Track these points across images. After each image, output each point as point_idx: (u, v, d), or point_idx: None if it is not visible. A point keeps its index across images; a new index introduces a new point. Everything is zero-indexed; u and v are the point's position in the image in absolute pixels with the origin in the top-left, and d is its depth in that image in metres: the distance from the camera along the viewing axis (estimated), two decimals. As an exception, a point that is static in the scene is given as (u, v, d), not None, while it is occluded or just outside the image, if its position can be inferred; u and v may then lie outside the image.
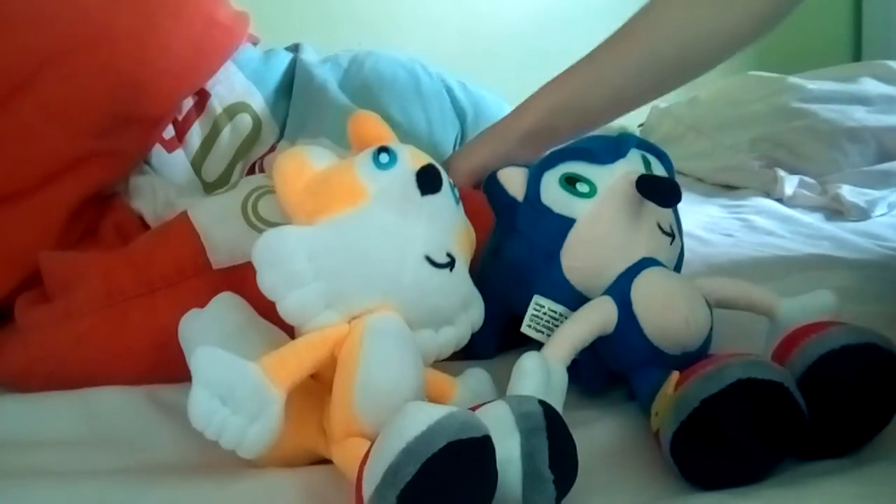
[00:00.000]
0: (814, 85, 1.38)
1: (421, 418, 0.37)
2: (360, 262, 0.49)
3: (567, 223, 0.56)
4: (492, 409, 0.42)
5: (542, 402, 0.42)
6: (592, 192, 0.56)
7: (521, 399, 0.42)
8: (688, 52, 0.77)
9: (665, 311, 0.52)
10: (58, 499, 0.45)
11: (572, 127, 0.77)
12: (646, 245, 0.56)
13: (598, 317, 0.53)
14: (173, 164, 0.81)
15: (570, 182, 0.57)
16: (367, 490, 0.37)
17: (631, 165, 0.58)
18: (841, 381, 0.46)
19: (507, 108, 0.90)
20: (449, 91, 0.97)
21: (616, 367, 0.55)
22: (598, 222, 0.56)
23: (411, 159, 0.52)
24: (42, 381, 0.59)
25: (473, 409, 0.43)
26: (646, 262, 0.55)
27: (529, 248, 0.58)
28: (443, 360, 0.53)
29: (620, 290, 0.53)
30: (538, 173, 0.59)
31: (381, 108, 0.83)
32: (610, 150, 0.58)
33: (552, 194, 0.57)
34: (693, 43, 0.77)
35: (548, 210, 0.57)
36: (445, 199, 0.53)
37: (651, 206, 0.55)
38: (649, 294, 0.53)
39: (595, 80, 0.77)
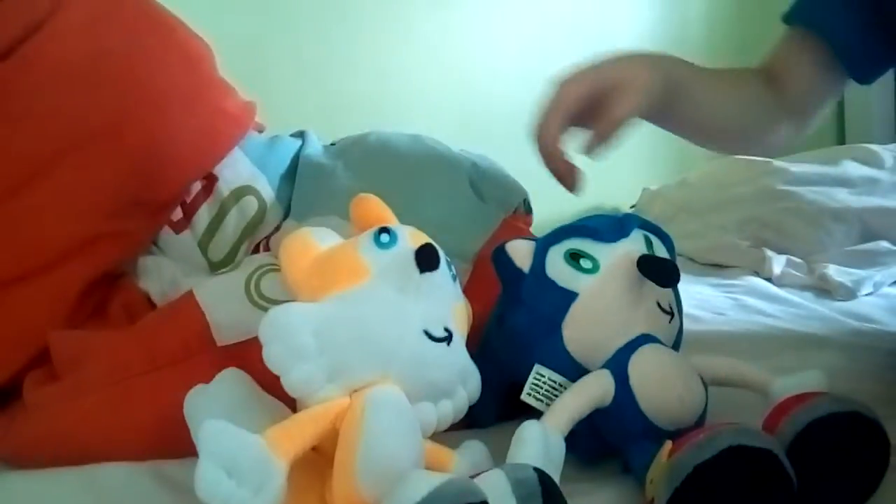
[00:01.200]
0: (798, 168, 1.42)
1: (421, 486, 0.39)
2: (362, 336, 0.50)
3: (570, 296, 0.58)
4: (488, 477, 0.43)
5: (536, 470, 0.43)
6: (595, 268, 0.59)
7: (517, 467, 0.44)
8: (756, 122, 0.83)
9: (660, 388, 0.54)
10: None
11: (675, 111, 0.76)
12: (645, 322, 0.58)
13: (596, 389, 0.55)
14: (181, 244, 0.84)
15: (574, 258, 0.60)
16: None
17: (633, 245, 0.60)
18: (828, 447, 0.48)
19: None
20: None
21: (612, 439, 0.56)
22: (600, 297, 0.58)
23: (410, 239, 0.55)
24: (48, 457, 0.60)
25: (471, 477, 0.44)
26: (644, 339, 0.57)
27: (532, 319, 0.60)
28: (444, 430, 0.54)
29: (618, 364, 0.56)
30: (544, 247, 0.61)
31: (385, 177, 0.86)
32: (614, 228, 0.61)
33: (557, 268, 0.60)
34: (759, 115, 0.82)
35: (552, 283, 0.59)
36: (443, 276, 0.55)
37: (651, 285, 0.57)
38: (645, 370, 0.55)
39: (704, 83, 0.78)
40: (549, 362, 0.58)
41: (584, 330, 0.58)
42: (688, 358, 0.58)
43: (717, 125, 0.82)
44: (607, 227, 0.61)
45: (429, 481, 0.39)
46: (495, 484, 0.42)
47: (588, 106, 0.69)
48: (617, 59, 0.71)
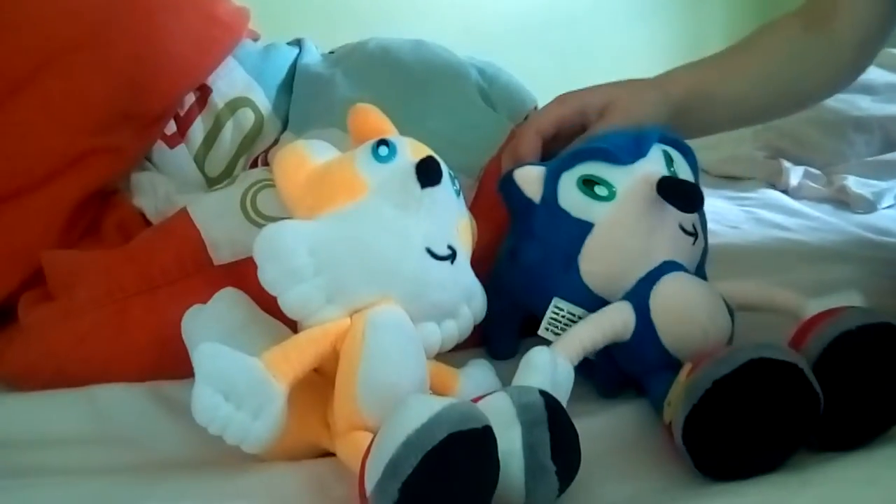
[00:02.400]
0: (818, 74, 1.37)
1: (421, 410, 0.37)
2: (361, 255, 0.48)
3: (585, 228, 0.55)
4: (492, 400, 0.42)
5: (543, 393, 0.42)
6: (612, 195, 0.55)
7: (522, 390, 0.42)
8: (799, 81, 0.76)
9: (683, 321, 0.51)
10: (64, 497, 0.45)
11: (697, 121, 0.72)
12: (667, 248, 0.55)
13: (614, 322, 0.52)
14: (176, 159, 0.81)
15: (588, 184, 0.56)
16: (370, 484, 0.37)
17: (652, 165, 0.56)
18: (857, 361, 0.46)
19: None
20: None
21: (631, 371, 0.54)
22: (618, 227, 0.55)
23: (411, 151, 0.52)
24: (46, 379, 0.59)
25: (475, 400, 0.43)
26: (667, 267, 0.53)
27: (547, 253, 0.57)
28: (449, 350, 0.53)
29: (639, 296, 0.52)
30: (556, 174, 0.57)
31: (386, 87, 0.82)
32: (630, 148, 0.57)
33: (570, 197, 0.56)
34: (803, 72, 0.75)
35: (565, 214, 0.56)
36: (445, 191, 0.53)
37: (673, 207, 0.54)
38: (668, 303, 0.52)
39: (723, 76, 0.73)
40: (568, 296, 0.55)
41: (602, 262, 0.55)
42: (713, 285, 0.54)
43: (756, 108, 0.76)
44: (623, 146, 0.57)
45: (429, 406, 0.37)
46: (499, 408, 0.41)
47: (569, 131, 0.66)
48: (604, 84, 0.68)
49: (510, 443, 0.40)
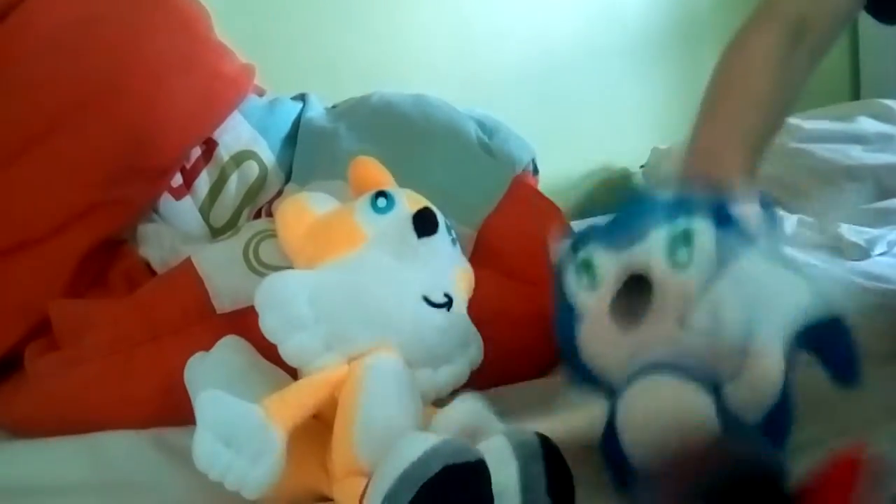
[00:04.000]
0: (811, 125, 1.39)
1: (417, 446, 0.38)
2: (359, 303, 0.50)
3: (577, 318, 0.50)
4: (489, 441, 0.43)
5: (538, 434, 0.42)
6: (594, 284, 0.49)
7: (519, 430, 0.43)
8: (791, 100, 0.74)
9: (646, 431, 0.44)
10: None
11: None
12: (662, 340, 0.46)
13: (579, 421, 0.47)
14: (181, 211, 0.83)
15: (585, 267, 0.50)
16: None
17: (649, 250, 0.47)
18: None
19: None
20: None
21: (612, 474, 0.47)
22: (597, 322, 0.49)
23: (408, 202, 0.54)
24: (51, 426, 0.60)
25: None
26: (647, 369, 0.44)
27: (561, 335, 0.52)
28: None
29: (616, 397, 0.45)
30: (573, 248, 0.52)
31: (388, 141, 0.83)
32: (630, 228, 0.48)
33: (572, 280, 0.51)
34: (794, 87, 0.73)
35: (567, 300, 0.51)
36: (442, 240, 0.54)
37: (674, 295, 0.46)
38: (630, 412, 0.44)
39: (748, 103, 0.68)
40: (578, 377, 0.51)
41: (591, 357, 0.50)
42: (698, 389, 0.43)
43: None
44: (626, 225, 0.49)
45: (424, 441, 0.39)
46: (496, 446, 0.42)
47: None
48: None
49: (507, 479, 0.40)
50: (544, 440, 0.42)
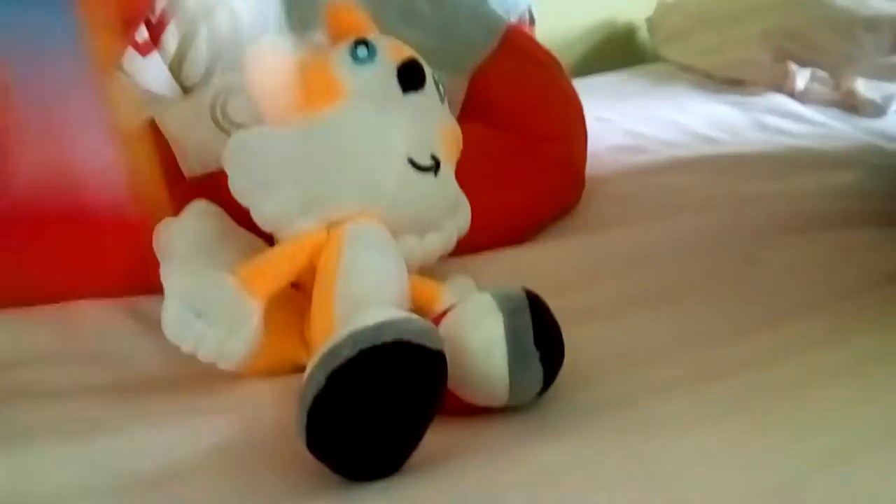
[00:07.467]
0: (828, -28, 1.31)
1: (378, 314, 0.36)
2: (339, 165, 0.46)
3: None
4: (474, 297, 0.41)
5: (525, 288, 0.41)
6: None
7: (503, 287, 0.41)
8: None
9: None
10: (44, 417, 0.44)
11: None
12: None
13: None
14: (149, 68, 0.77)
15: None
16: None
17: None
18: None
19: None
20: None
21: None
22: None
23: (391, 53, 0.49)
24: (20, 297, 0.57)
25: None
26: None
27: None
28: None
29: None
30: None
31: None
32: None
33: None
34: None
35: None
36: (430, 96, 0.50)
37: None
38: None
39: None
40: None
41: None
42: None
43: None
44: None
45: (389, 313, 0.36)
46: (482, 301, 0.40)
47: None
48: None
49: (493, 330, 0.39)
50: (531, 294, 0.41)
